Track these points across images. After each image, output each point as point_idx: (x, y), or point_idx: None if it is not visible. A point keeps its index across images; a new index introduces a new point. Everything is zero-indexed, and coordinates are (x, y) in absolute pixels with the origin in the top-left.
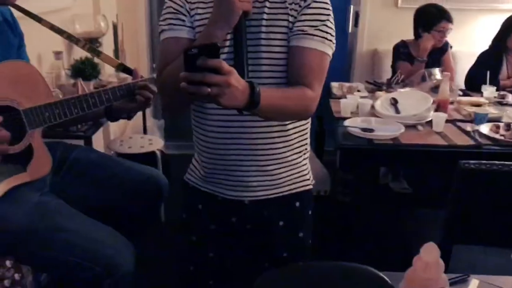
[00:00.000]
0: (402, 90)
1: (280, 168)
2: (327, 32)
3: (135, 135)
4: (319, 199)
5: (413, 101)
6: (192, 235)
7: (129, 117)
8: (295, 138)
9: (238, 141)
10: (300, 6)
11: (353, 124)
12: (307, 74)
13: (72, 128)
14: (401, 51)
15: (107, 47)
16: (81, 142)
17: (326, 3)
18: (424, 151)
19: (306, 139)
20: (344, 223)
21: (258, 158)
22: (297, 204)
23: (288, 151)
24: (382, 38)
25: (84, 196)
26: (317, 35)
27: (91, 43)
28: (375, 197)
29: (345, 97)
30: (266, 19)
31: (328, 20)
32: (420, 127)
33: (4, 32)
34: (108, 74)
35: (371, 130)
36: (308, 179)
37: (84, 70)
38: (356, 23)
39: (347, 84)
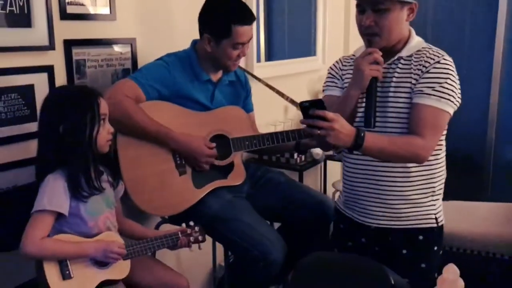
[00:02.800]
0: None
1: (402, 204)
2: (443, 92)
3: None
4: None
5: None
6: (333, 248)
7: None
8: (419, 180)
9: (366, 176)
10: (422, 71)
11: None
12: (420, 126)
13: (292, 161)
14: None
15: None
16: (295, 174)
17: (446, 68)
18: None
19: (433, 182)
20: None
21: (381, 193)
22: (420, 237)
23: (411, 190)
24: None
25: (267, 204)
26: (433, 95)
27: None
28: None
29: None
30: (395, 81)
31: (446, 82)
32: None
33: (236, 87)
34: None
35: None
36: (434, 218)
37: None
38: None
39: None
